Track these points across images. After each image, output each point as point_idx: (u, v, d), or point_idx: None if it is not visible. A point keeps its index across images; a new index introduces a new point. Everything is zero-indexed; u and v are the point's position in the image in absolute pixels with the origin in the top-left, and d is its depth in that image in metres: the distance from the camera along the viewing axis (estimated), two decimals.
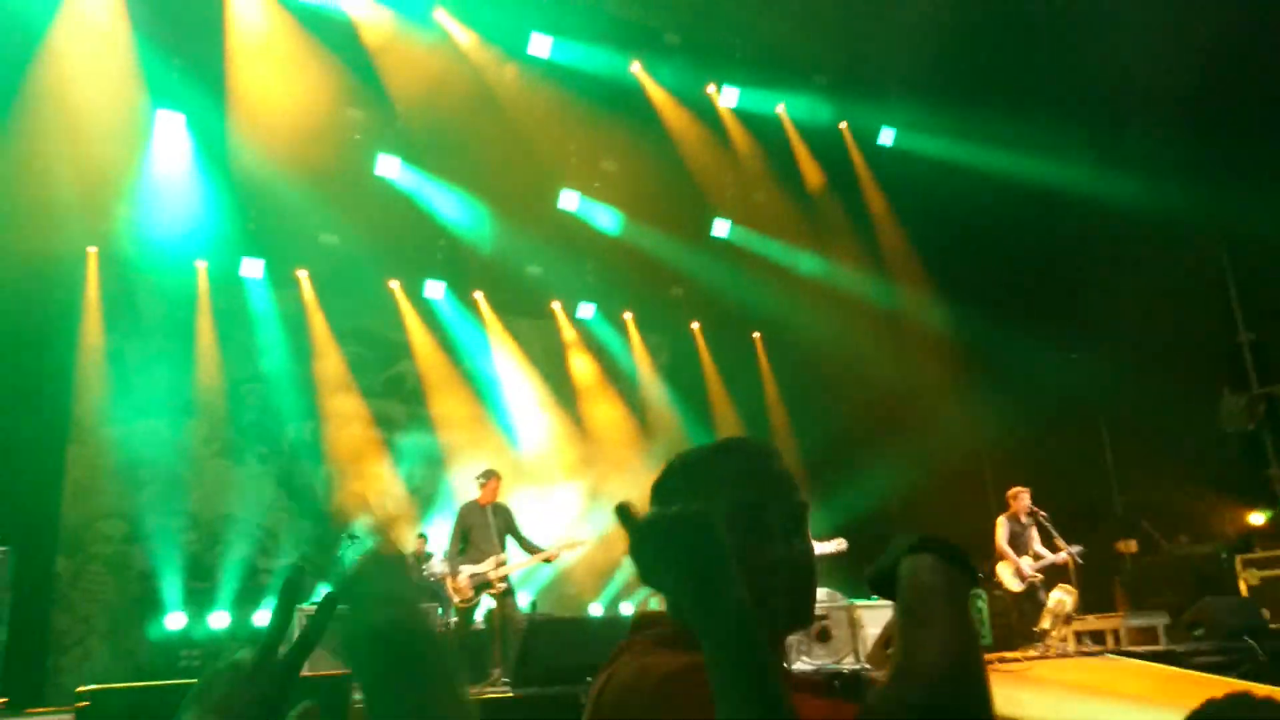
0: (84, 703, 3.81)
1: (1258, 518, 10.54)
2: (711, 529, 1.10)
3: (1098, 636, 8.35)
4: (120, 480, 10.30)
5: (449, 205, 11.81)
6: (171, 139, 10.37)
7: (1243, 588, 9.37)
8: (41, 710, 6.89)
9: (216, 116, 10.22)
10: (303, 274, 11.79)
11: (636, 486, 13.42)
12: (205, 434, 11.07)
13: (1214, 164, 10.10)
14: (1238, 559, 9.59)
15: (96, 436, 10.23)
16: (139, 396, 10.45)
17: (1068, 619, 8.20)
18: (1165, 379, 10.72)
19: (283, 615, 1.09)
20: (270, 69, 10.33)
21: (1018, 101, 10.96)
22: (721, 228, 13.21)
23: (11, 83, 9.11)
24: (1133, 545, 11.34)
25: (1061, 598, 8.14)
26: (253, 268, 11.28)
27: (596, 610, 12.33)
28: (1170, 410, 10.81)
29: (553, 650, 6.03)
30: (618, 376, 13.98)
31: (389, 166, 11.26)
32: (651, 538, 1.13)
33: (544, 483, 12.48)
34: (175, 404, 10.77)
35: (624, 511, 1.15)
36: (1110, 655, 7.55)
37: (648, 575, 1.14)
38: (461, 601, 7.66)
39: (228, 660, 1.06)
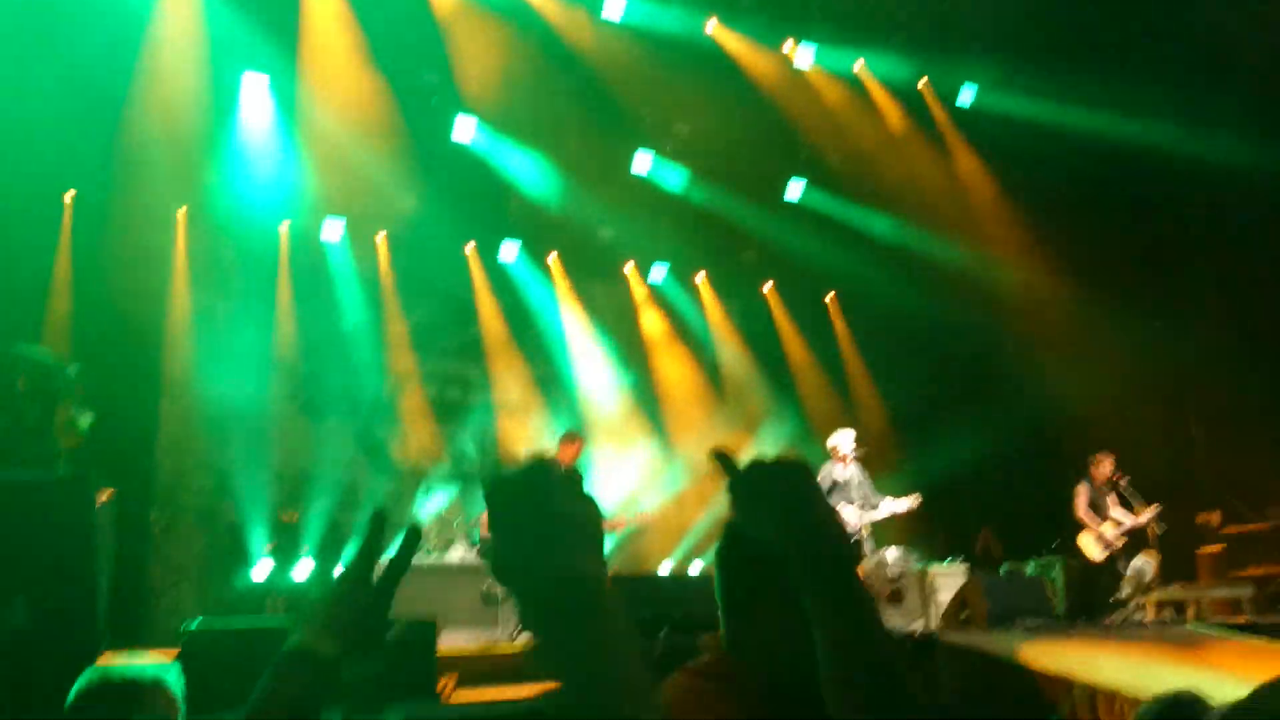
0: (187, 639, 4.01)
1: None
2: (808, 471, 1.17)
3: (1179, 607, 8.19)
4: (209, 435, 10.68)
5: (524, 168, 11.89)
6: (257, 101, 10.61)
7: None
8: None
9: (295, 80, 10.43)
10: (380, 236, 12.02)
11: (706, 449, 13.49)
12: (287, 392, 11.41)
13: None
14: None
15: (187, 392, 10.61)
16: (226, 354, 10.79)
17: (1148, 587, 8.06)
18: (1259, 350, 10.37)
19: (372, 543, 1.17)
20: (345, 35, 10.49)
21: (1111, 59, 10.59)
22: (795, 190, 13.07)
23: (124, 58, 9.43)
24: (1216, 517, 11.05)
25: (1141, 565, 8.00)
26: (333, 229, 11.54)
27: (666, 568, 12.46)
28: (1263, 383, 10.46)
29: (627, 604, 6.13)
30: (690, 339, 14.01)
31: (465, 129, 11.36)
32: (754, 479, 1.19)
33: (617, 445, 12.60)
34: (260, 362, 11.10)
35: (723, 457, 1.22)
36: (1191, 626, 7.42)
37: (746, 515, 1.20)
38: None
39: (327, 586, 1.15)
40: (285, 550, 10.46)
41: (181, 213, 10.85)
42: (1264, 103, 9.99)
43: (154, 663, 4.78)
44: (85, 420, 4.97)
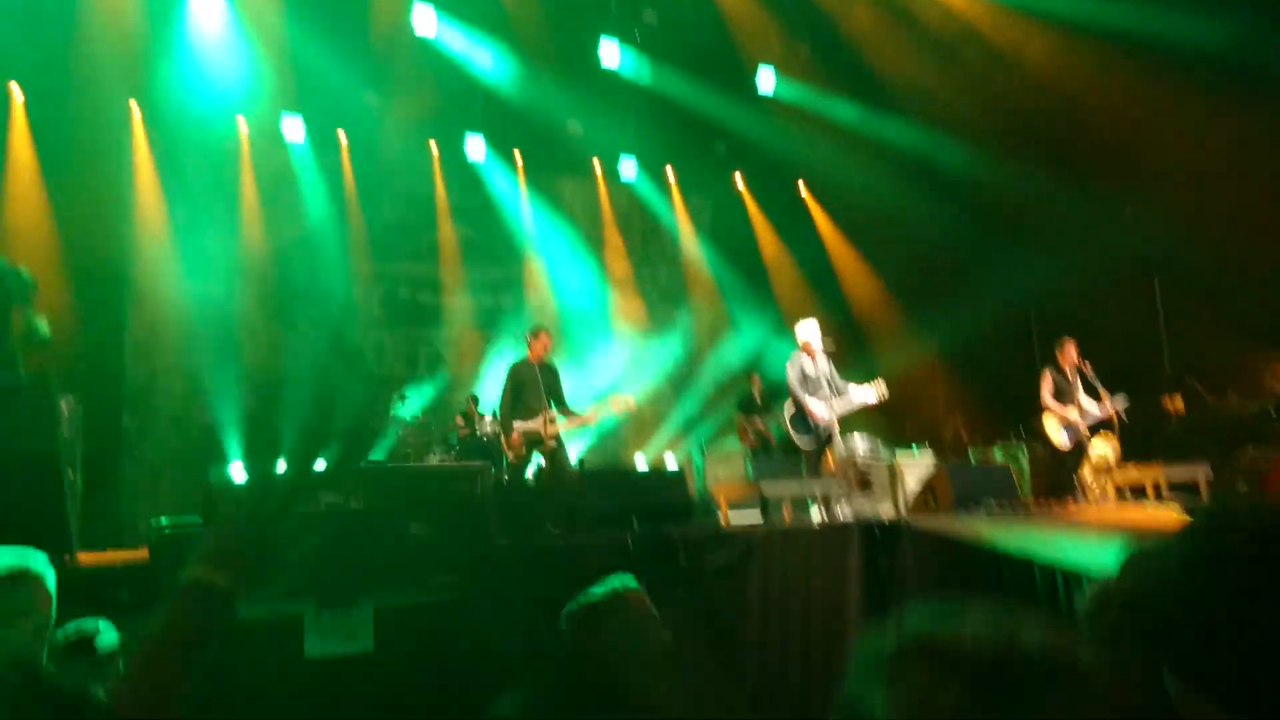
0: (156, 536, 4.04)
1: None
2: None
3: (1138, 489, 8.40)
4: (179, 340, 10.60)
5: (487, 60, 11.56)
6: None
7: None
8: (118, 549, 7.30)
9: None
10: (341, 134, 11.74)
11: (676, 345, 13.59)
12: (256, 296, 11.29)
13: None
14: None
15: (153, 298, 10.48)
16: (190, 258, 10.63)
17: (1108, 469, 8.26)
18: (1223, 235, 10.41)
19: (263, 480, 1.17)
20: None
21: None
22: (766, 82, 12.82)
23: None
24: (1179, 402, 11.27)
25: (1104, 451, 8.18)
26: (292, 126, 11.24)
27: (640, 462, 12.65)
28: (1227, 267, 10.53)
29: (600, 498, 6.22)
30: (660, 233, 13.92)
31: (424, 20, 10.99)
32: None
33: (588, 340, 12.62)
34: (225, 266, 10.95)
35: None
36: (1149, 503, 7.63)
37: None
38: (515, 458, 7.83)
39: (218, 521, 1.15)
40: (261, 452, 10.52)
41: (134, 107, 10.50)
42: None
43: (127, 561, 4.84)
44: (43, 327, 4.88)
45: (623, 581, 2.50)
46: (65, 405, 5.04)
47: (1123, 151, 11.11)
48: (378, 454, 10.50)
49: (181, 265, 10.55)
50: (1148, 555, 1.14)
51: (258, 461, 10.42)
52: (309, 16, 10.02)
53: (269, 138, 11.25)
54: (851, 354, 10.64)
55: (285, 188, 11.42)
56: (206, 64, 10.27)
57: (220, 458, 10.33)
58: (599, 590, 2.46)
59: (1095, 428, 8.77)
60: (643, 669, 2.38)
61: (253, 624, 3.88)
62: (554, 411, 7.72)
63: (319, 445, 10.86)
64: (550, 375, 7.86)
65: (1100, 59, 10.72)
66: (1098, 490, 8.17)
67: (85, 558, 4.67)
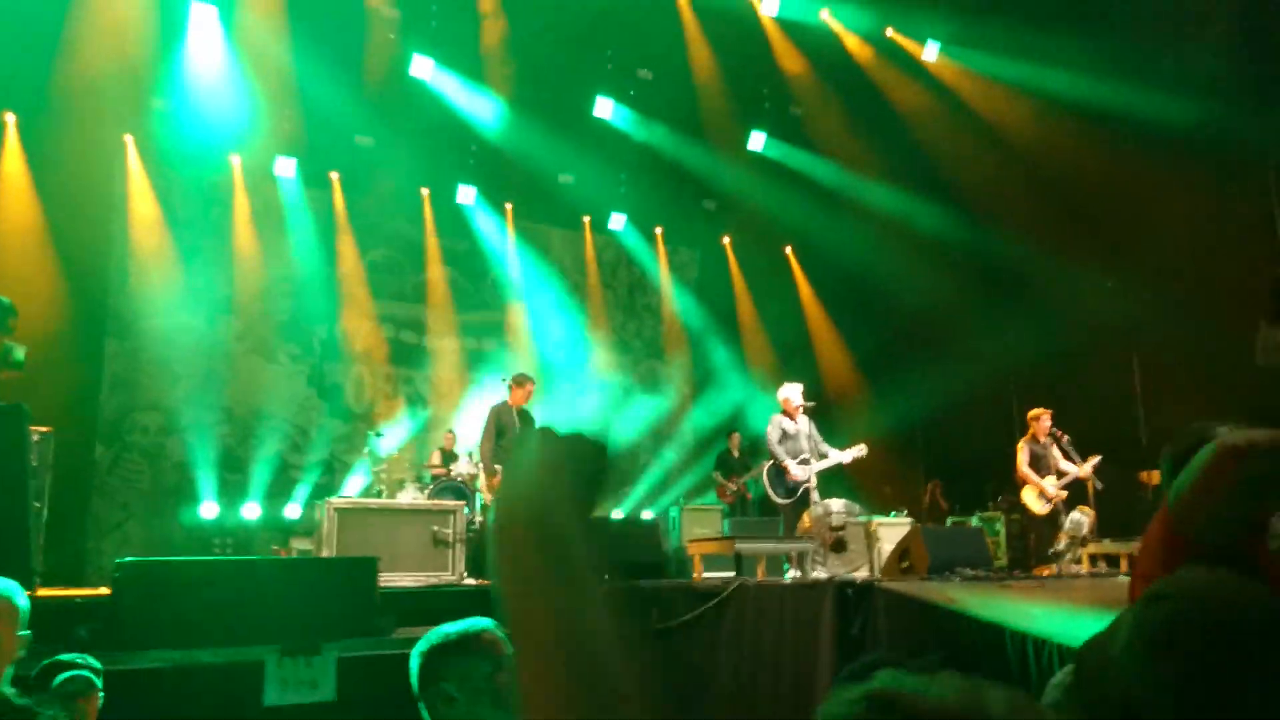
0: (120, 574, 3.98)
1: None
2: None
3: (1112, 560, 8.41)
4: (157, 373, 10.53)
5: (483, 110, 11.70)
6: (205, 33, 10.30)
7: None
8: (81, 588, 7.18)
9: (246, 10, 10.14)
10: (335, 175, 11.82)
11: (658, 400, 13.60)
12: (239, 331, 11.26)
13: (1268, 90, 9.78)
14: None
15: (134, 329, 10.43)
16: (175, 291, 10.61)
17: (1083, 541, 8.27)
18: (1201, 310, 10.55)
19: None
20: None
21: (1066, 17, 10.60)
22: (757, 141, 13.00)
23: None
24: (1155, 476, 11.32)
25: (1079, 519, 8.20)
26: (286, 167, 11.31)
27: (618, 515, 12.57)
28: (1204, 342, 10.65)
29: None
30: (645, 289, 14.00)
31: (423, 68, 11.13)
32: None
33: (569, 391, 12.62)
34: (210, 300, 10.94)
35: None
36: (1122, 577, 7.63)
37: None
38: (492, 500, 7.83)
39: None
40: (234, 490, 10.41)
41: (128, 141, 10.56)
42: (1213, 65, 10.08)
43: (87, 597, 4.75)
44: (19, 352, 4.84)
45: (479, 623, 2.55)
46: (35, 435, 4.98)
47: (1104, 224, 11.31)
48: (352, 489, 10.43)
49: (165, 298, 10.53)
50: (1099, 639, 1.14)
51: (229, 499, 10.31)
52: (308, 58, 10.13)
53: (261, 174, 11.31)
54: (832, 418, 10.67)
55: (274, 224, 11.45)
56: (203, 101, 10.34)
57: (192, 496, 10.22)
58: (455, 629, 2.51)
59: (1071, 494, 8.81)
60: (484, 708, 2.40)
61: (210, 670, 3.81)
62: None
63: (294, 479, 10.77)
64: (528, 423, 7.87)
65: (1082, 133, 10.95)
66: (1072, 560, 8.17)
67: (44, 592, 4.59)
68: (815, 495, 7.97)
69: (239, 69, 10.41)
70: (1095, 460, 8.72)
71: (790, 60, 12.09)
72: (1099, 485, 8.81)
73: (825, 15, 12.00)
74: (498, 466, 7.70)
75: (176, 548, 9.83)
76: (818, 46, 12.00)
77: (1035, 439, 8.98)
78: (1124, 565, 8.48)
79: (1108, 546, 8.41)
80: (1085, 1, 10.56)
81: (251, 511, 10.38)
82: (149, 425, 10.59)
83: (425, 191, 12.41)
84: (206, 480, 10.36)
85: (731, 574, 6.96)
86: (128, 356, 10.47)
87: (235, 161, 11.19)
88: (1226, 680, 1.00)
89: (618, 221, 13.67)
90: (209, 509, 10.21)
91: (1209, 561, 1.60)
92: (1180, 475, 1.96)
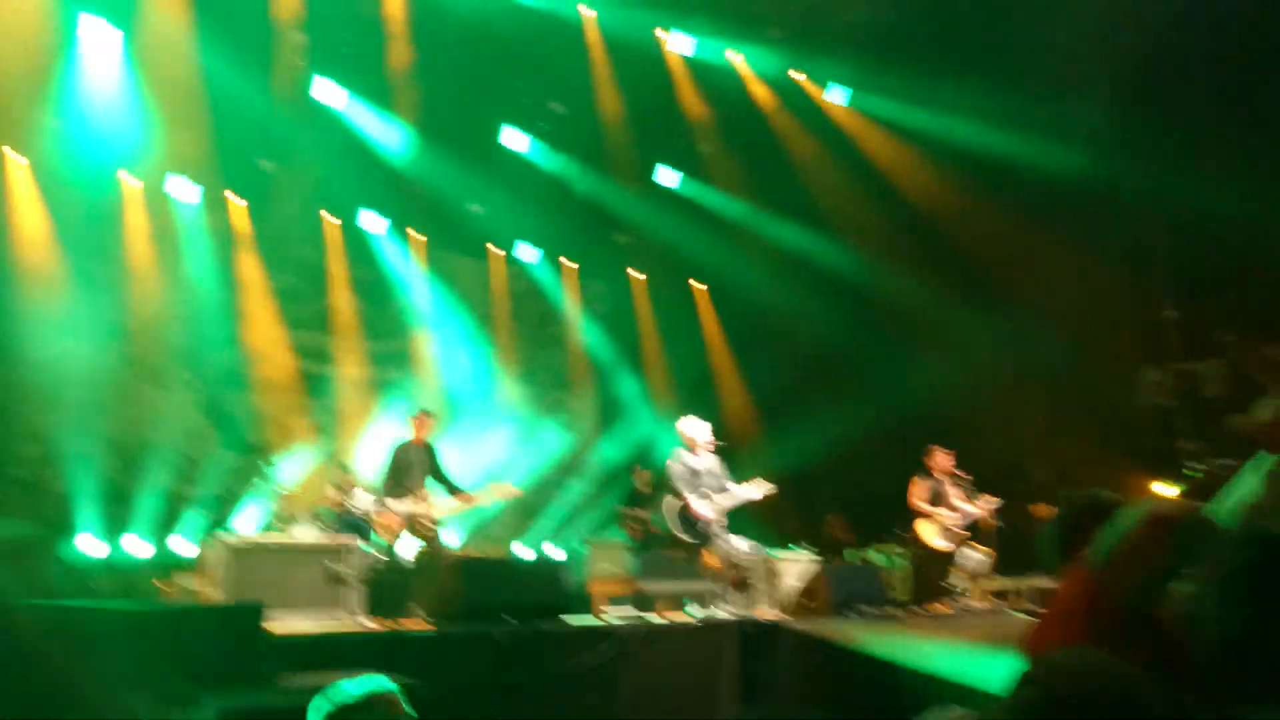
0: None
1: (1163, 489, 10.91)
2: None
3: (1000, 595, 8.62)
4: (38, 401, 10.01)
5: (390, 137, 11.53)
6: (97, 47, 9.92)
7: None
8: None
9: (144, 26, 9.81)
10: (234, 198, 11.48)
11: (564, 433, 13.50)
12: (128, 357, 10.79)
13: (1153, 141, 10.28)
14: None
15: (12, 355, 9.90)
16: (62, 313, 10.13)
17: (979, 576, 8.46)
18: (1092, 350, 10.98)
19: None
20: None
21: (967, 67, 10.98)
22: (668, 177, 13.11)
23: None
24: (1048, 510, 11.65)
25: (975, 555, 8.39)
26: (181, 187, 10.94)
27: (521, 549, 12.40)
28: (1095, 381, 11.09)
29: (474, 589, 6.04)
30: (555, 321, 13.93)
31: (328, 92, 10.92)
32: None
33: (474, 424, 12.43)
34: (97, 325, 10.45)
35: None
36: (1013, 612, 7.81)
37: None
38: (389, 538, 7.64)
39: None
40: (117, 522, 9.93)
41: (11, 155, 10.06)
42: (1104, 118, 10.57)
43: None
44: None
45: (379, 683, 2.48)
46: None
47: (997, 268, 11.70)
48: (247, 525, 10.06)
49: (50, 322, 10.02)
50: (990, 710, 1.16)
51: (112, 532, 9.83)
52: (211, 77, 9.84)
53: (157, 196, 10.91)
54: (736, 453, 10.74)
55: (170, 247, 11.04)
56: (96, 118, 9.94)
57: (68, 529, 9.68)
58: (354, 690, 2.49)
59: (968, 530, 9.00)
60: None
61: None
62: (431, 495, 7.57)
63: (182, 514, 10.35)
64: (430, 456, 7.73)
65: (975, 180, 11.34)
66: (969, 596, 8.34)
67: None
68: (721, 533, 7.96)
69: (136, 87, 10.05)
70: (996, 503, 8.91)
71: (696, 99, 12.26)
72: (996, 523, 9.02)
73: (731, 56, 12.21)
74: (391, 504, 7.52)
75: (52, 584, 9.29)
76: (723, 87, 12.20)
77: (931, 475, 9.15)
78: (1020, 600, 8.70)
79: (1002, 582, 8.61)
80: (981, 52, 10.95)
81: (138, 547, 9.90)
82: (28, 456, 10.04)
83: (329, 217, 12.14)
84: (89, 514, 9.85)
85: (633, 609, 6.90)
86: (3, 382, 9.93)
87: (130, 182, 10.77)
88: None
89: (528, 253, 13.60)
90: (91, 544, 9.69)
91: (1136, 629, 1.66)
92: (1102, 542, 2.00)
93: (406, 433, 7.86)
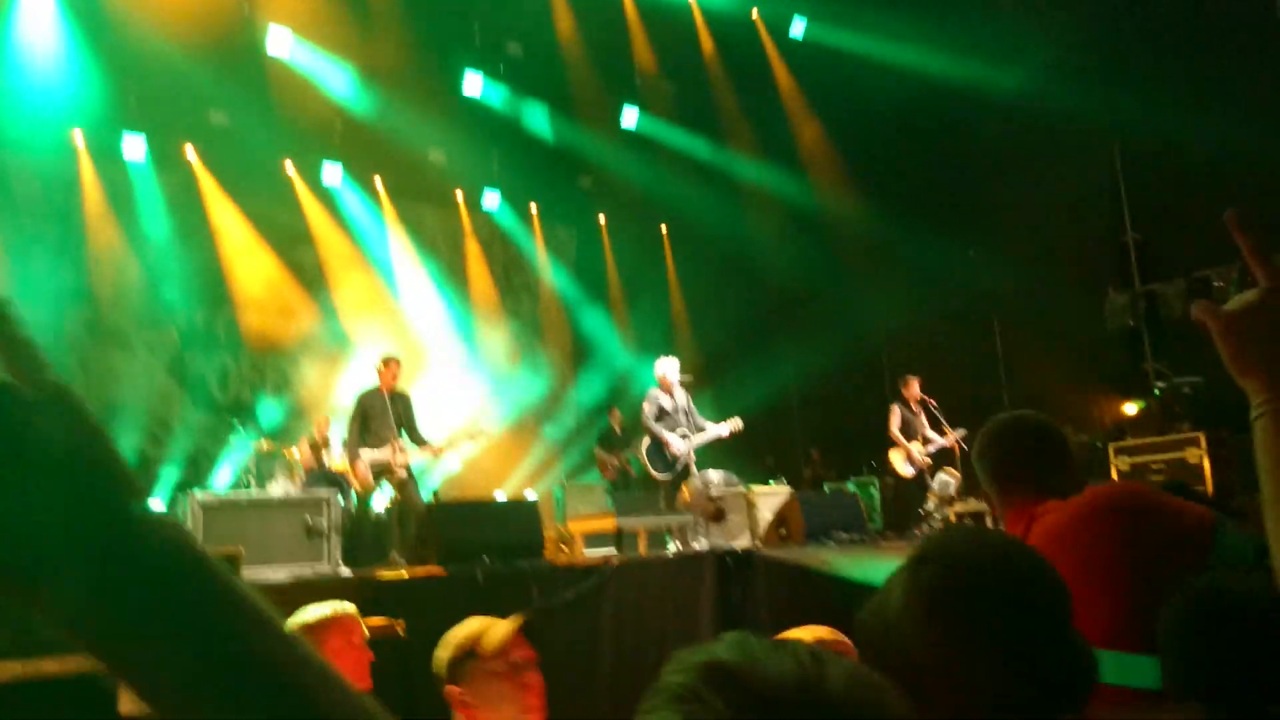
0: None
1: (1131, 408, 11.10)
2: None
3: (978, 516, 8.76)
4: None
5: (346, 85, 11.30)
6: (39, 6, 9.61)
7: (1114, 473, 9.91)
8: None
9: None
10: (191, 154, 11.24)
11: (538, 378, 13.50)
12: (89, 320, 10.63)
13: (1111, 65, 10.29)
14: (1111, 447, 10.11)
15: None
16: (17, 279, 9.93)
17: (950, 500, 8.59)
18: (1056, 276, 11.09)
19: None
20: None
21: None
22: (630, 118, 12.98)
23: None
24: None
25: (945, 480, 8.52)
26: (134, 145, 10.69)
27: (500, 497, 12.44)
28: (1059, 306, 11.21)
29: (449, 530, 6.05)
30: (522, 267, 13.85)
31: (280, 40, 10.67)
32: None
33: (445, 371, 12.39)
34: (57, 287, 10.26)
35: None
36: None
37: None
38: (362, 488, 7.63)
39: None
40: None
41: None
42: (1062, 44, 10.55)
43: None
44: None
45: (337, 606, 2.63)
46: None
47: (964, 194, 11.73)
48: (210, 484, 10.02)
49: (4, 288, 9.83)
50: (875, 603, 1.16)
51: None
52: (150, 30, 9.57)
53: (107, 155, 10.65)
54: (709, 391, 10.79)
55: (125, 206, 10.82)
56: (36, 76, 9.66)
57: None
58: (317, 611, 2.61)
59: (938, 459, 9.13)
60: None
61: (59, 681, 3.57)
62: (403, 441, 7.54)
63: (155, 474, 10.26)
64: (401, 404, 7.68)
65: (938, 107, 11.30)
66: (940, 520, 8.48)
67: None
68: (694, 468, 8.03)
69: (80, 43, 9.77)
70: (961, 432, 9.05)
71: (659, 38, 12.12)
72: (965, 447, 9.15)
73: None
74: (364, 453, 7.49)
75: None
76: (685, 24, 12.05)
77: (907, 404, 9.26)
78: (990, 522, 8.83)
79: (973, 504, 8.75)
80: None
81: None
82: None
83: (290, 169, 11.93)
84: None
85: (613, 547, 6.97)
86: None
87: (79, 143, 10.51)
88: (994, 636, 1.05)
89: (492, 200, 13.46)
90: None
91: None
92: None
93: (373, 380, 7.81)
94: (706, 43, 12.42)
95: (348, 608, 2.68)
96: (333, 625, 2.59)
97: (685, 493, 7.87)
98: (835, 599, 5.90)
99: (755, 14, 12.34)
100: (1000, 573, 1.10)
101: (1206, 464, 9.37)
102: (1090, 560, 1.72)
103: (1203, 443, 9.39)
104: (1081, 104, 10.47)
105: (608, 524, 7.65)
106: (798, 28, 12.32)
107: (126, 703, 3.92)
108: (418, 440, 7.66)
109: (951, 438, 9.07)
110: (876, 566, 6.03)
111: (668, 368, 8.18)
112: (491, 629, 2.01)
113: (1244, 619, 1.32)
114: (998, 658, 1.04)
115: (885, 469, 9.94)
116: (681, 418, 8.11)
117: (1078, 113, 10.58)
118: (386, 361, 7.72)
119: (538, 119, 12.45)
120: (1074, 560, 1.63)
